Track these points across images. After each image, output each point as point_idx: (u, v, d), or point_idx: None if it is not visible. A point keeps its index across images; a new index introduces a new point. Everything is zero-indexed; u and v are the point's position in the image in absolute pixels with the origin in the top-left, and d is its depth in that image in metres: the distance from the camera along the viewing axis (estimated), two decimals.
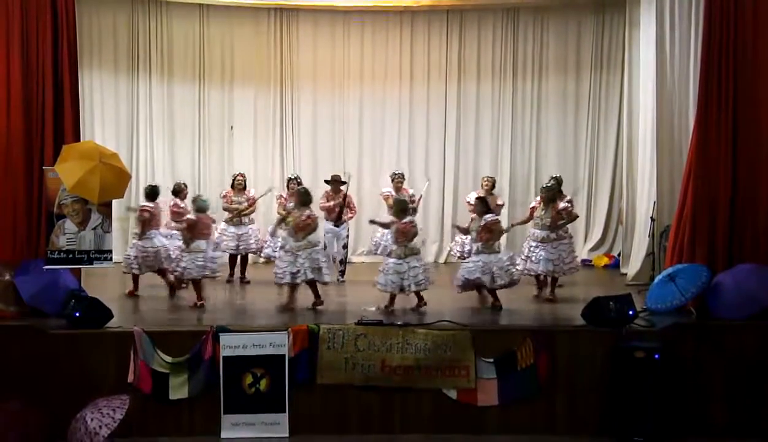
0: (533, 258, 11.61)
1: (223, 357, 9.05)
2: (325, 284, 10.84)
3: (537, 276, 11.83)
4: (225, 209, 13.00)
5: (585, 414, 9.14)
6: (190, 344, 9.09)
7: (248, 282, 12.83)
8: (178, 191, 12.67)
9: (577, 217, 12.81)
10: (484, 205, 11.14)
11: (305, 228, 10.69)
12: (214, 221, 11.87)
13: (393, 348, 9.14)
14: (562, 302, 11.38)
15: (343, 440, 9.01)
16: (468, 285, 10.85)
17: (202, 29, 15.50)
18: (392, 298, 10.54)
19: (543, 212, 11.73)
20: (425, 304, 10.59)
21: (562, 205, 11.79)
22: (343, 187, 12.92)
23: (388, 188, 13.41)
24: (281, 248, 11.20)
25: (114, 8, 15.02)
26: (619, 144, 15.18)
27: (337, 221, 12.76)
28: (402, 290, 10.45)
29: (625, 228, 14.08)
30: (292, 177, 13.27)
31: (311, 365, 9.11)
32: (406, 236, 10.66)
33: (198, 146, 15.66)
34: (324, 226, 12.82)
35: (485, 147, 15.92)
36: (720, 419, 9.14)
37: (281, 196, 13.09)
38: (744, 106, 10.09)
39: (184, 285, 11.58)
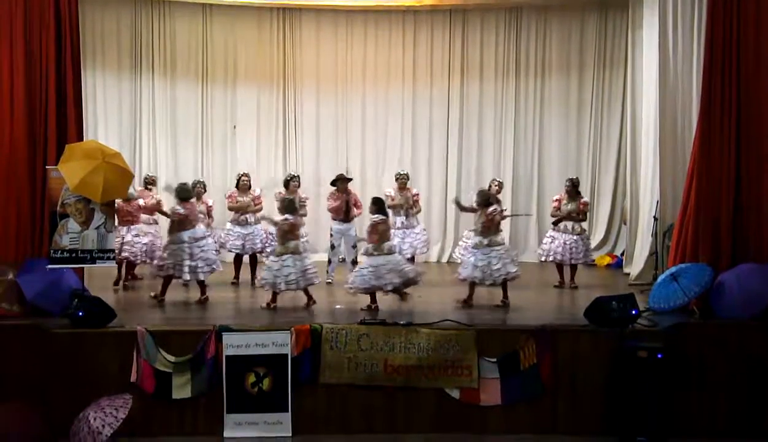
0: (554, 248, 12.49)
1: (226, 356, 9.05)
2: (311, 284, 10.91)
3: (558, 265, 12.58)
4: (231, 209, 12.99)
5: (588, 414, 9.13)
6: (193, 343, 9.09)
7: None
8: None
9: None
10: (483, 198, 11.15)
11: (285, 235, 10.80)
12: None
13: (396, 348, 9.14)
14: (566, 302, 11.39)
15: (346, 440, 8.99)
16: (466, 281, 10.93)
17: (205, 29, 15.52)
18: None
19: (568, 205, 12.54)
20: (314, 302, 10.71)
21: (584, 199, 12.76)
22: (349, 184, 12.90)
23: (390, 189, 13.40)
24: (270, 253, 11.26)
25: (117, 8, 15.03)
26: (622, 143, 15.18)
27: (347, 216, 12.72)
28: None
29: (629, 228, 14.07)
30: (294, 175, 13.23)
31: (314, 365, 9.11)
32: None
33: (201, 146, 15.68)
34: (332, 226, 12.83)
35: (488, 147, 15.93)
36: (723, 418, 9.13)
37: (280, 193, 13.09)
38: (747, 105, 10.08)
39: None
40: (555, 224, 12.66)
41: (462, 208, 11.91)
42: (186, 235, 11.11)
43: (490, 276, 10.80)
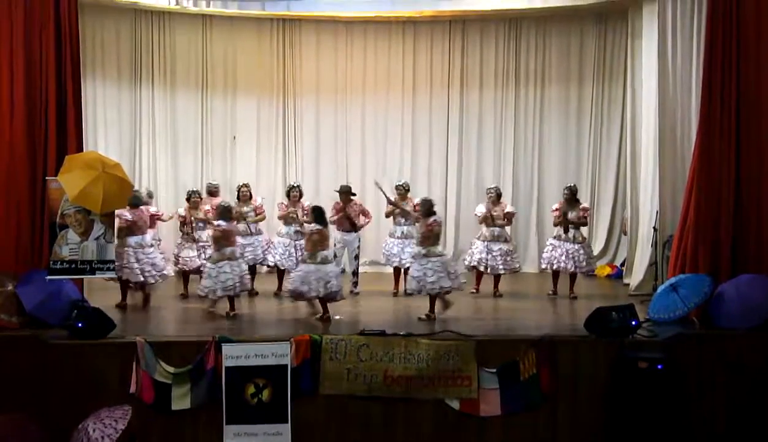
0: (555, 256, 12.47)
1: (226, 367, 9.04)
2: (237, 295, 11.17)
3: (554, 274, 12.57)
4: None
5: (587, 424, 9.13)
6: (193, 354, 9.09)
7: (257, 294, 12.70)
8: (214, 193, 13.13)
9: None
10: (425, 207, 11.12)
11: (220, 241, 10.98)
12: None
13: (395, 358, 9.13)
14: (566, 312, 11.39)
15: None
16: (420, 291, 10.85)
17: (204, 39, 15.51)
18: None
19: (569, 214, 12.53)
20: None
21: (584, 205, 12.76)
22: (353, 197, 12.88)
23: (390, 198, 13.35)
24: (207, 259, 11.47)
25: (117, 19, 15.03)
26: (622, 153, 15.17)
27: (351, 226, 12.71)
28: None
29: (629, 238, 14.06)
30: (294, 185, 13.22)
31: (314, 376, 9.10)
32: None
33: (201, 156, 15.65)
34: (334, 236, 12.83)
35: (488, 156, 15.91)
36: (723, 429, 9.13)
37: (282, 203, 13.08)
38: (747, 115, 10.11)
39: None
40: (565, 230, 12.55)
41: (384, 195, 12.12)
42: (132, 240, 11.39)
43: (424, 288, 10.73)
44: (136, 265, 11.33)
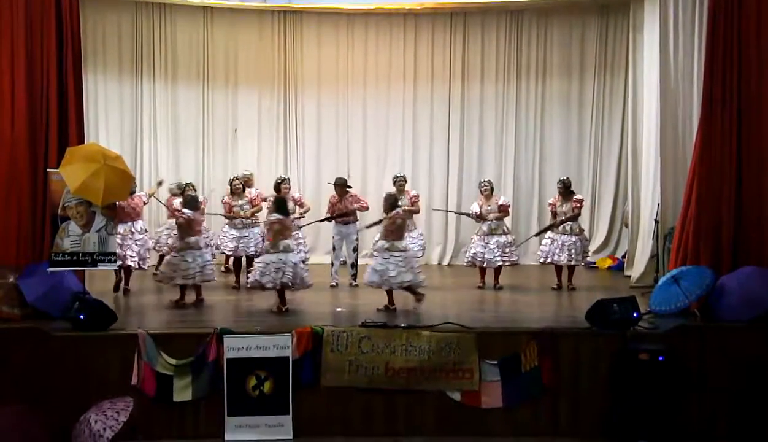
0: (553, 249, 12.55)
1: (227, 359, 9.05)
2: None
3: (557, 267, 12.56)
4: (227, 217, 12.95)
5: (589, 416, 9.13)
6: (194, 346, 9.10)
7: None
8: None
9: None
10: (388, 202, 11.17)
11: (184, 230, 11.22)
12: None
13: (397, 350, 9.14)
14: (567, 304, 11.40)
15: None
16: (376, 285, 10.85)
17: (206, 32, 15.51)
18: None
19: (563, 207, 12.61)
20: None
21: (577, 196, 12.76)
22: (349, 189, 12.88)
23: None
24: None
25: (118, 11, 15.02)
26: (623, 146, 15.17)
27: (342, 216, 12.73)
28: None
29: (630, 230, 14.07)
30: (284, 178, 13.20)
31: (315, 367, 9.11)
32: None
33: (202, 149, 15.67)
34: (333, 229, 12.83)
35: (489, 149, 15.91)
36: (724, 421, 9.12)
37: (273, 195, 13.03)
38: (748, 108, 10.10)
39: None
40: (553, 227, 12.62)
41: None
42: (121, 227, 11.64)
43: (386, 282, 10.71)
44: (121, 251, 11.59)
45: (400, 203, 12.53)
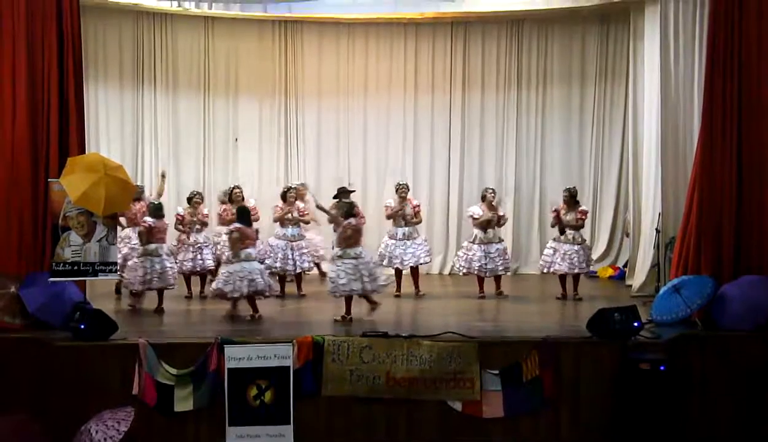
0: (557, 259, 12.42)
1: (228, 369, 9.05)
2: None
3: (561, 277, 12.46)
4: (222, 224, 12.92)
5: (590, 426, 9.12)
6: (195, 356, 9.10)
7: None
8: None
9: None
10: (343, 210, 11.21)
11: (145, 237, 11.39)
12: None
13: (398, 360, 9.13)
14: (568, 314, 11.39)
15: None
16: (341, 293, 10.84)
17: (207, 41, 15.52)
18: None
19: (567, 215, 12.47)
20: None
21: (582, 208, 12.69)
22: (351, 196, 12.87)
23: (390, 200, 13.29)
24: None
25: (119, 21, 15.04)
26: (624, 155, 15.15)
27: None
28: None
29: (631, 239, 14.06)
30: (291, 187, 13.20)
31: (316, 377, 9.11)
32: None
33: (203, 158, 15.66)
34: (332, 240, 12.79)
35: (490, 158, 15.89)
36: (725, 430, 9.11)
37: (277, 206, 13.03)
38: (749, 116, 10.11)
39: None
40: (561, 231, 12.55)
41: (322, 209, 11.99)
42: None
43: (338, 289, 10.74)
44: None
45: (406, 211, 12.62)
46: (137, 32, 15.22)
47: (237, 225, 10.98)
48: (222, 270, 11.12)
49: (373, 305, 10.87)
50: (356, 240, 10.93)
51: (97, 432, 8.09)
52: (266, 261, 12.66)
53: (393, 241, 12.87)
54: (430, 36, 15.80)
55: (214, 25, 15.42)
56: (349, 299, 10.76)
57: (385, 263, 12.96)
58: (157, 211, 11.56)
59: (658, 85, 12.07)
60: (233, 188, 13.20)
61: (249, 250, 10.92)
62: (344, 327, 10.31)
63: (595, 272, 14.81)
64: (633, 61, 14.10)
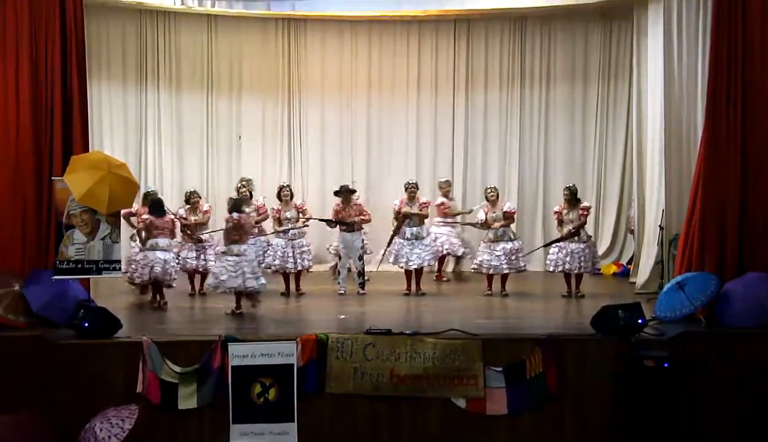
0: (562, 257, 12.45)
1: (232, 367, 9.05)
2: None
3: (566, 275, 12.44)
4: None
5: (594, 423, 9.11)
6: (199, 353, 9.10)
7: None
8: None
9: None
10: (230, 205, 11.40)
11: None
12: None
13: (401, 357, 9.13)
14: (572, 311, 11.39)
15: None
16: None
17: (210, 39, 15.54)
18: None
19: (569, 214, 12.48)
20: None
21: (584, 204, 12.68)
22: (354, 196, 12.86)
23: (397, 200, 13.22)
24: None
25: (122, 19, 15.07)
26: (628, 152, 15.15)
27: (350, 227, 12.65)
28: None
29: (635, 236, 14.05)
30: (284, 185, 13.17)
31: (320, 375, 9.11)
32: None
33: (206, 156, 15.69)
34: (338, 237, 12.78)
35: (493, 156, 15.90)
36: (730, 427, 9.10)
37: (273, 208, 12.97)
38: (753, 113, 10.09)
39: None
40: (562, 240, 12.51)
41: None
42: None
43: (221, 285, 10.95)
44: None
45: (412, 210, 12.59)
46: (141, 30, 15.25)
47: (147, 216, 11.37)
48: (216, 266, 11.28)
49: (254, 302, 11.09)
50: (240, 237, 11.08)
51: (101, 430, 8.11)
52: (266, 259, 12.71)
53: (401, 240, 12.84)
54: (433, 34, 15.81)
55: (218, 23, 15.45)
56: (238, 295, 10.94)
57: (392, 261, 12.97)
58: (157, 207, 11.58)
59: (661, 81, 12.04)
60: (240, 186, 13.15)
61: (158, 239, 11.29)
62: (347, 324, 10.32)
63: (599, 269, 14.79)
64: (636, 58, 14.09)
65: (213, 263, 12.51)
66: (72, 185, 9.61)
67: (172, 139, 15.55)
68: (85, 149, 10.39)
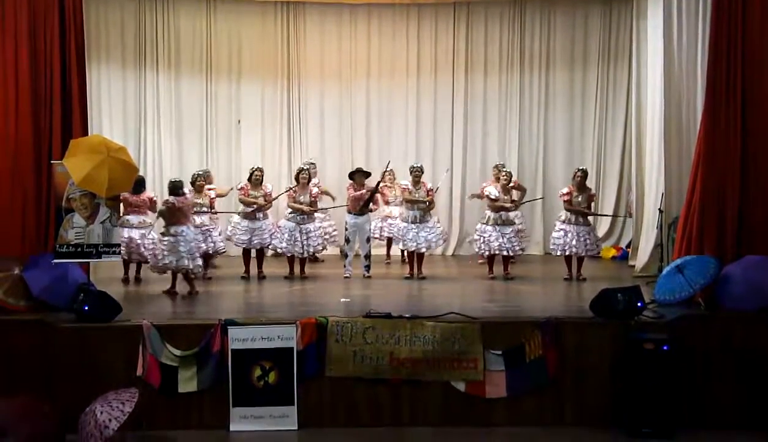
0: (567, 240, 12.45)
1: (232, 350, 9.07)
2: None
3: (567, 258, 12.48)
4: (242, 202, 12.83)
5: (593, 406, 9.13)
6: (199, 337, 9.11)
7: (264, 277, 12.70)
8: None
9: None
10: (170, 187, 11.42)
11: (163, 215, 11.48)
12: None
13: (401, 341, 9.14)
14: (572, 294, 11.40)
15: (352, 433, 9.01)
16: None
17: (209, 23, 15.51)
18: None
19: (578, 197, 12.47)
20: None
21: (592, 191, 12.76)
22: (367, 180, 12.86)
23: (406, 181, 13.18)
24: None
25: (121, 2, 15.04)
26: (627, 135, 15.16)
27: (362, 209, 12.67)
28: None
29: (634, 219, 14.05)
30: (303, 168, 13.11)
31: (320, 358, 9.12)
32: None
33: (206, 140, 15.67)
34: (347, 220, 12.77)
35: (492, 140, 15.90)
36: (729, 410, 9.12)
37: (290, 187, 12.98)
38: (752, 95, 10.06)
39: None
40: (583, 214, 12.50)
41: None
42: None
43: (156, 264, 11.24)
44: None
45: (418, 196, 12.56)
46: (139, 15, 15.22)
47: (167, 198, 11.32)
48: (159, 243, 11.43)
49: (192, 289, 11.18)
50: (178, 219, 11.14)
51: (102, 413, 8.12)
52: (273, 242, 12.68)
53: (405, 224, 12.81)
54: (432, 18, 15.79)
55: (216, 7, 15.43)
56: (174, 274, 11.15)
57: (398, 245, 13.00)
58: (177, 188, 11.32)
59: (661, 64, 12.05)
60: (254, 170, 13.04)
61: (129, 216, 11.84)
62: (348, 308, 10.33)
63: (599, 253, 14.79)
64: (636, 41, 14.10)
65: (221, 244, 12.62)
66: (71, 169, 9.60)
67: (172, 124, 15.53)
68: (84, 133, 10.38)
